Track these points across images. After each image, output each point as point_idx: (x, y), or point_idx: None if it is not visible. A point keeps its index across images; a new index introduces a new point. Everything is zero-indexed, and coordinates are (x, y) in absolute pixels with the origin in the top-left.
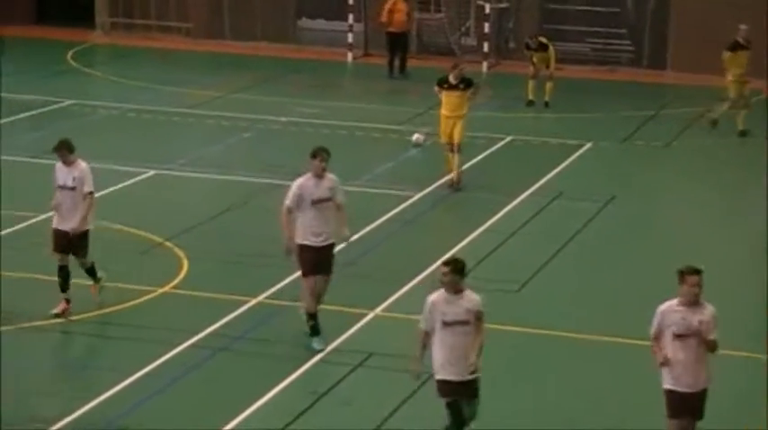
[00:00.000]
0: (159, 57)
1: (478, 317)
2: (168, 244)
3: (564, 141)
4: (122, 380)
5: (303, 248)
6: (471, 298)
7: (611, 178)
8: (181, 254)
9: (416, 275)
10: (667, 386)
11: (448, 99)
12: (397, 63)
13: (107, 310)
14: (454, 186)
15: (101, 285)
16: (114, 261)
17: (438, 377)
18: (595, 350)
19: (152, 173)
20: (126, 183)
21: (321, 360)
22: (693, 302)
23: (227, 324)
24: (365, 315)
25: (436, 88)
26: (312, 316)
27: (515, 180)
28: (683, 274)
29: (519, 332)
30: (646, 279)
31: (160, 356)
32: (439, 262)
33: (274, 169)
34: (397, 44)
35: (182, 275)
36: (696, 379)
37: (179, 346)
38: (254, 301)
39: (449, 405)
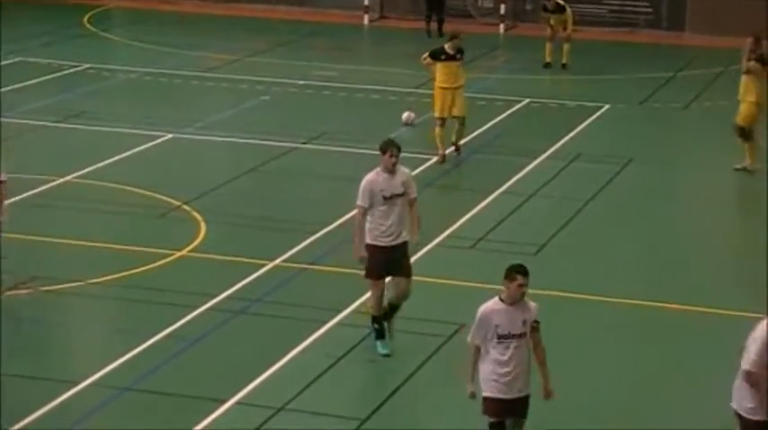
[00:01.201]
0: (176, 20)
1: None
2: (186, 207)
3: (581, 103)
4: (141, 343)
5: (373, 249)
6: (530, 305)
7: (628, 140)
8: (198, 217)
9: (435, 238)
10: None
11: (445, 70)
12: (434, 25)
13: (125, 274)
14: (444, 160)
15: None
16: (132, 224)
17: (485, 394)
18: (612, 312)
19: (170, 136)
20: (144, 147)
21: (339, 322)
22: None
23: (244, 287)
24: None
25: (428, 60)
26: (377, 319)
27: (533, 142)
28: None
29: (536, 295)
30: (663, 242)
31: (178, 319)
32: (458, 224)
33: (291, 132)
34: (435, 5)
35: (199, 239)
36: None
37: (197, 309)
38: (271, 265)
39: (491, 425)
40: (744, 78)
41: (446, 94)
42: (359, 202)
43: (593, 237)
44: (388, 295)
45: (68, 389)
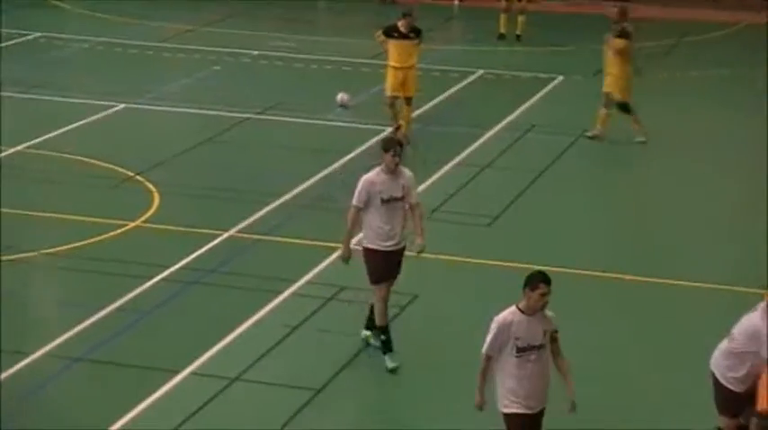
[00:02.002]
0: None
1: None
2: (139, 178)
3: (536, 75)
4: (94, 314)
5: (371, 253)
6: (549, 315)
7: (582, 111)
8: (152, 188)
9: None
10: None
11: (398, 50)
12: None
13: (78, 244)
14: (401, 129)
15: None
16: (85, 194)
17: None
18: (564, 282)
19: (123, 106)
20: (96, 117)
21: (294, 293)
22: None
23: (198, 258)
24: (337, 248)
25: (381, 37)
26: (384, 329)
27: (487, 114)
28: None
29: (490, 265)
30: (616, 211)
31: (132, 290)
32: None
33: (246, 102)
34: None
35: (153, 209)
36: None
37: (151, 280)
38: (225, 235)
39: None
40: (609, 52)
41: (397, 73)
42: (354, 202)
43: (546, 208)
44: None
45: (21, 360)
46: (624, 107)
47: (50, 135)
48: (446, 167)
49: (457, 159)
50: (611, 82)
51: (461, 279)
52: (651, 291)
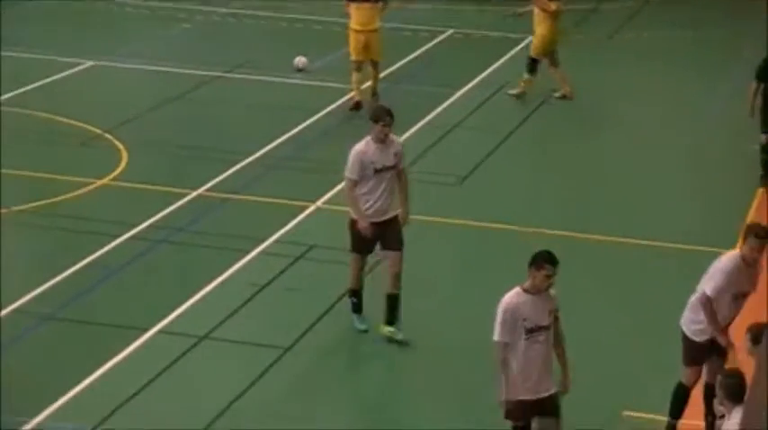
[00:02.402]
0: None
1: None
2: (107, 135)
3: (506, 35)
4: (62, 272)
5: (357, 223)
6: (552, 294)
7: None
8: (120, 146)
9: None
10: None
11: (359, 12)
12: None
13: (46, 202)
14: (360, 106)
15: None
16: (53, 152)
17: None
18: (534, 243)
19: (90, 64)
20: (63, 74)
21: (262, 252)
22: None
23: (167, 216)
24: (306, 207)
25: (344, 1)
26: (355, 292)
27: (457, 73)
28: None
29: (459, 225)
30: (585, 173)
31: (100, 248)
32: None
33: (214, 60)
34: None
35: (121, 167)
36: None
37: (119, 238)
38: (194, 193)
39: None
40: (536, 11)
41: (359, 36)
42: (348, 174)
43: (515, 168)
44: (384, 283)
45: None
46: (532, 63)
47: (17, 92)
48: (416, 127)
49: (426, 119)
50: (537, 41)
51: (430, 238)
52: (619, 251)
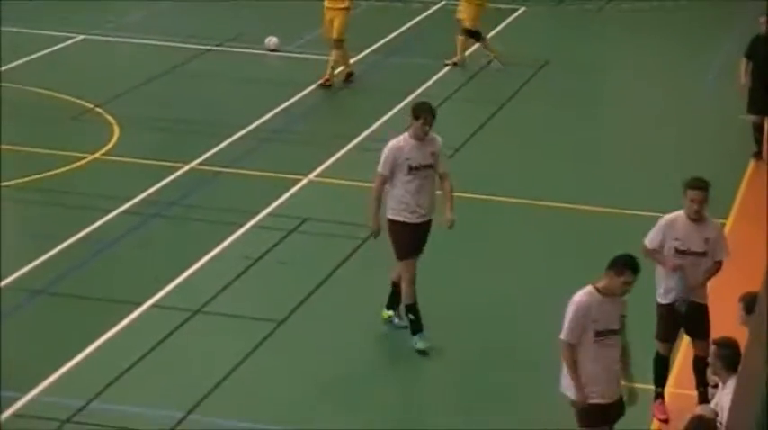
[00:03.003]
0: None
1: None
2: (99, 110)
3: (497, 6)
4: (55, 247)
5: (397, 226)
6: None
7: (544, 43)
8: (112, 120)
9: (350, 141)
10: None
11: None
12: None
13: (38, 176)
14: (325, 85)
15: None
16: (44, 126)
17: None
18: (525, 214)
19: (81, 38)
20: (54, 48)
21: (255, 225)
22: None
23: (159, 190)
24: (299, 181)
25: None
26: (412, 308)
27: (449, 45)
28: (684, 188)
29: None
30: (579, 143)
31: (93, 222)
32: (375, 126)
33: (205, 34)
34: None
35: (113, 141)
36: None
37: (111, 212)
38: (186, 167)
39: None
40: None
41: (327, 12)
42: (379, 169)
43: (508, 140)
44: (393, 276)
45: None
46: (473, 34)
47: (8, 67)
48: (408, 99)
49: (419, 91)
50: (463, 8)
51: None
52: (612, 222)
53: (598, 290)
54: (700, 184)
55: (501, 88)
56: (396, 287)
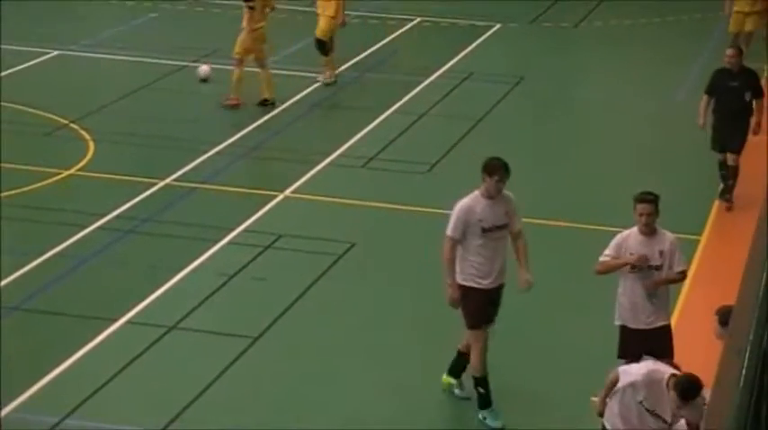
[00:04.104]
0: None
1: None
2: (74, 125)
3: (473, 23)
4: (29, 263)
5: (469, 292)
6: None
7: (519, 59)
8: (86, 136)
9: (326, 157)
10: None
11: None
12: None
13: (12, 192)
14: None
15: None
16: (18, 142)
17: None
18: None
19: (56, 53)
20: (29, 64)
21: (230, 242)
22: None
23: (134, 206)
24: (275, 197)
25: None
26: (483, 381)
27: (425, 61)
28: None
29: (428, 212)
30: (553, 159)
31: (67, 238)
32: (350, 143)
33: (181, 50)
34: None
35: (88, 157)
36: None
37: (86, 229)
38: (161, 183)
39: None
40: None
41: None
42: (449, 232)
43: (484, 156)
44: (461, 345)
45: None
46: (322, 45)
47: None
48: (384, 115)
49: (395, 107)
50: (323, 23)
51: (399, 226)
52: (589, 238)
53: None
54: (647, 197)
55: (477, 104)
56: (462, 356)
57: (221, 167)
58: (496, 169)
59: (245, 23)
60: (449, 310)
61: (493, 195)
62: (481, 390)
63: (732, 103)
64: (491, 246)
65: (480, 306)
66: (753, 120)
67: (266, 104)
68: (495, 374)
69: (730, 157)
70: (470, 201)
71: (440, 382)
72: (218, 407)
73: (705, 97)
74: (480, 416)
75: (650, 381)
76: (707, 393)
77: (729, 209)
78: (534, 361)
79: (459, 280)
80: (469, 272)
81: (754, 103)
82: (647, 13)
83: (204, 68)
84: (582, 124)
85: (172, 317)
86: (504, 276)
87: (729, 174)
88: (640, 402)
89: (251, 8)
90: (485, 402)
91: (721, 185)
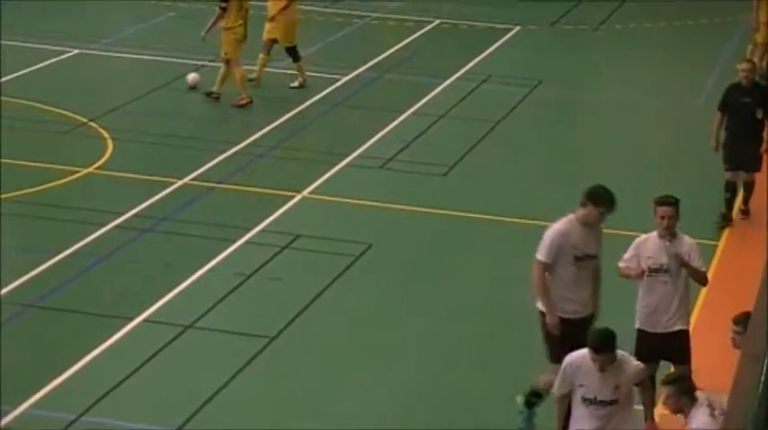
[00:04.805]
0: None
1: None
2: (92, 124)
3: (492, 25)
4: (47, 261)
5: (550, 318)
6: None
7: (538, 62)
8: (105, 134)
9: (344, 158)
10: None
11: None
12: None
13: (31, 190)
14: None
15: None
16: (37, 140)
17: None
18: (520, 232)
19: (76, 52)
20: (49, 62)
21: (247, 242)
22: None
23: (152, 205)
24: (292, 197)
25: None
26: (538, 396)
27: (443, 63)
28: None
29: (445, 215)
30: (571, 162)
31: (85, 237)
32: (368, 144)
33: (199, 49)
34: None
35: (106, 156)
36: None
37: (104, 227)
38: (179, 183)
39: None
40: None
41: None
42: (541, 257)
43: (502, 158)
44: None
45: None
46: (291, 51)
47: (2, 80)
48: (402, 116)
49: (413, 109)
50: (273, 27)
51: (416, 228)
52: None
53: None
54: (668, 200)
55: (495, 107)
56: (536, 395)
57: (239, 167)
58: (604, 201)
59: (220, 24)
60: (464, 312)
61: (592, 225)
62: (533, 399)
63: (744, 120)
64: (581, 274)
65: (566, 337)
66: (765, 136)
67: (213, 97)
68: (518, 372)
69: (746, 175)
70: (566, 227)
71: (456, 383)
72: (234, 406)
73: (718, 115)
74: (518, 400)
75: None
76: (717, 398)
77: (745, 218)
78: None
79: (541, 306)
80: (557, 300)
81: (766, 120)
82: (666, 17)
83: (192, 76)
84: (600, 127)
85: (188, 316)
86: (591, 306)
87: (744, 190)
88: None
89: (223, 9)
90: (531, 404)
91: (722, 210)
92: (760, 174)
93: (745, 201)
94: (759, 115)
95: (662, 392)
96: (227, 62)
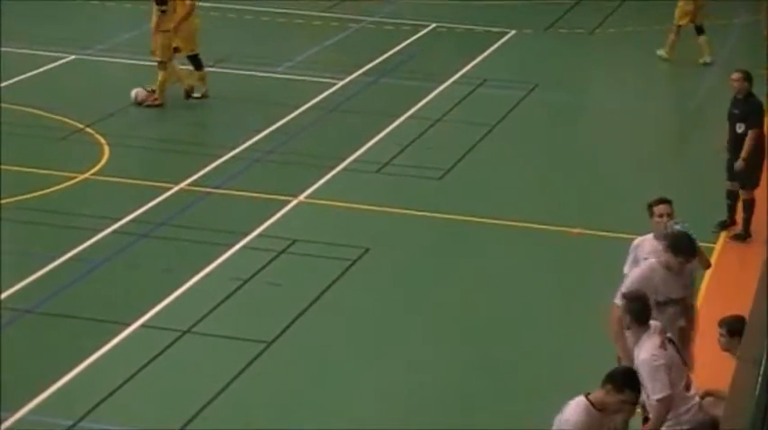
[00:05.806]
0: None
1: None
2: (89, 130)
3: (488, 29)
4: (44, 266)
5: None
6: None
7: (534, 66)
8: (102, 140)
9: (340, 162)
10: None
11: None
12: None
13: (28, 196)
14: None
15: None
16: (34, 146)
17: None
18: (516, 236)
19: (72, 57)
20: (46, 68)
21: (244, 246)
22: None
23: (149, 210)
24: (289, 202)
25: None
26: None
27: (439, 67)
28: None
29: (441, 218)
30: (567, 166)
31: (82, 242)
32: (364, 148)
33: None
34: None
35: (103, 161)
36: None
37: (101, 233)
38: (176, 188)
39: None
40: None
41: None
42: (618, 301)
43: (498, 162)
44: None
45: None
46: (194, 59)
47: None
48: (399, 120)
49: (409, 112)
50: (174, 36)
51: (413, 232)
52: (603, 245)
53: (593, 404)
54: (665, 199)
55: (491, 110)
56: None
57: (236, 172)
58: (686, 251)
59: (153, 25)
60: (462, 315)
61: (674, 270)
62: None
63: (731, 133)
64: (662, 320)
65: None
66: (743, 153)
67: (195, 97)
68: (516, 374)
69: (741, 192)
70: (648, 271)
71: (455, 384)
72: (232, 411)
73: (727, 125)
74: None
75: None
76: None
77: (745, 240)
78: (554, 369)
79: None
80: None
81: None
82: (661, 20)
83: (136, 91)
84: (596, 131)
85: (185, 321)
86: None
87: (743, 209)
88: None
89: (163, 11)
90: None
91: (725, 217)
92: (760, 190)
93: (745, 222)
94: (739, 129)
95: None
96: (163, 64)
